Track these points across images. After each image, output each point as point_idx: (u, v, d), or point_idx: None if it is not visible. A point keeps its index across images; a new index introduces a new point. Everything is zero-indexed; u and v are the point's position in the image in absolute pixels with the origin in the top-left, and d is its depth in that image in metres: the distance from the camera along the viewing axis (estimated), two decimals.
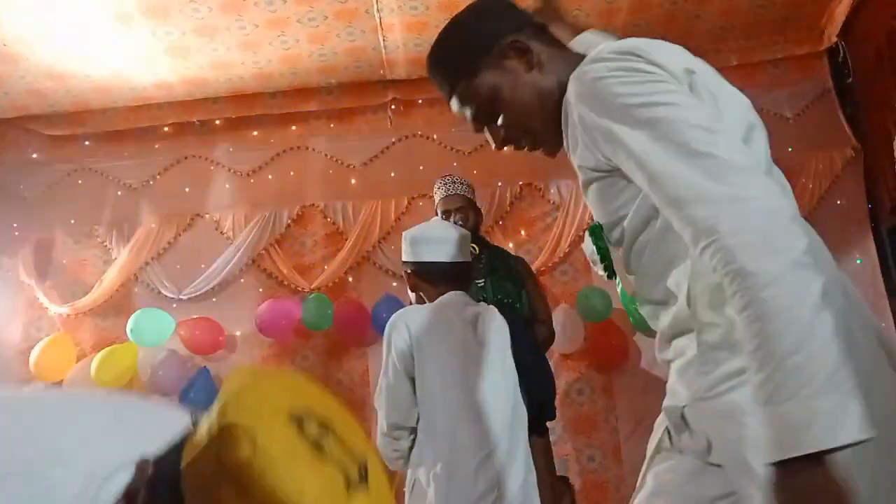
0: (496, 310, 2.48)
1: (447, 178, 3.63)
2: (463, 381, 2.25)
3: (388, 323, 2.42)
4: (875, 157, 4.47)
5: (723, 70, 4.61)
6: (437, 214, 3.55)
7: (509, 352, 2.37)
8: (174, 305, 4.62)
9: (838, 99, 4.77)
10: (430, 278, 2.49)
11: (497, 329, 2.38)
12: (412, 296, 2.67)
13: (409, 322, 2.37)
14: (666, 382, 1.40)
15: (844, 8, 4.45)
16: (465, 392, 2.24)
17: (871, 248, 4.52)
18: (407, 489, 2.40)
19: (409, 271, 2.53)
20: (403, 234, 2.58)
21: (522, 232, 4.75)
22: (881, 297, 4.43)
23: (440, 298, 2.46)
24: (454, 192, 3.51)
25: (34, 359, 4.43)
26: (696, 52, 4.57)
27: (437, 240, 2.49)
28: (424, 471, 2.22)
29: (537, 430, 2.82)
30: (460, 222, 3.36)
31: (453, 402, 2.23)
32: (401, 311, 2.49)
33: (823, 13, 4.61)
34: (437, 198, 3.58)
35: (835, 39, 4.70)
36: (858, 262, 4.50)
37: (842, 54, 4.75)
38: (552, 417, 3.01)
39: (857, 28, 4.53)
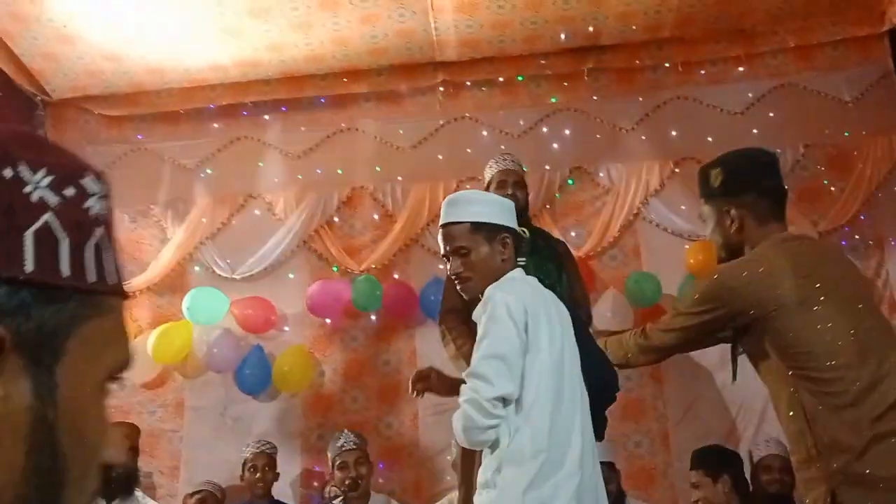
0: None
1: (504, 153, 3.65)
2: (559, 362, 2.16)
3: (500, 290, 2.16)
4: None
5: (779, 52, 4.57)
6: (487, 191, 3.55)
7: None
8: (228, 285, 4.71)
9: None
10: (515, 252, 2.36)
11: (566, 313, 2.32)
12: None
13: (524, 295, 2.19)
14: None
15: None
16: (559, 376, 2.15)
17: None
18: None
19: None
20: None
21: (571, 216, 4.74)
22: None
23: (521, 274, 2.34)
24: (511, 167, 3.53)
25: None
26: (750, 34, 4.56)
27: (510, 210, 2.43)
28: (513, 451, 2.07)
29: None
30: (516, 195, 3.37)
31: (553, 385, 2.12)
32: (505, 281, 2.25)
33: None
34: (491, 171, 3.57)
35: (895, 21, 4.58)
36: None
37: None
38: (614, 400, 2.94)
39: None
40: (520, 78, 4.90)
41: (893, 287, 4.39)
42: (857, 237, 4.49)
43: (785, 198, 2.44)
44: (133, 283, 4.74)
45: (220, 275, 4.76)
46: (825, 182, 4.60)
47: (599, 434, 2.32)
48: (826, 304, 2.13)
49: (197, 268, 4.84)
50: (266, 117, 5.05)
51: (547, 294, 2.31)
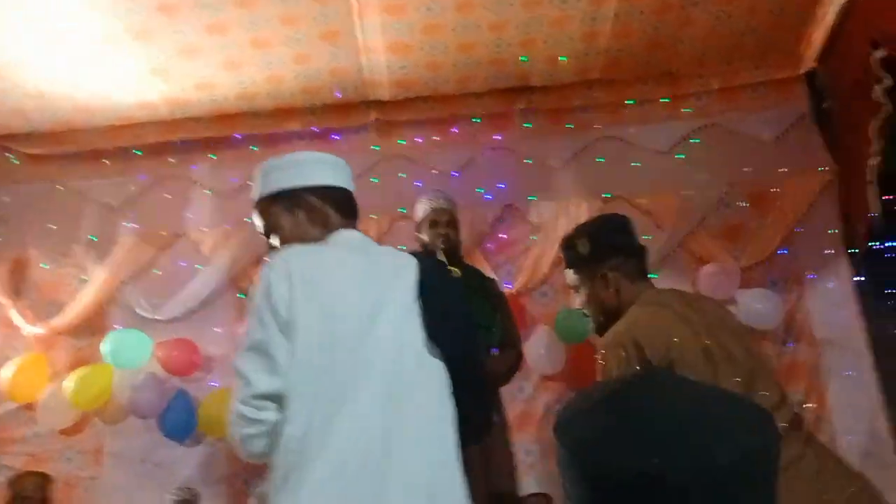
0: None
1: (436, 191, 3.62)
2: None
3: (269, 265, 1.83)
4: (851, 181, 4.51)
5: (704, 94, 4.71)
6: (419, 229, 3.53)
7: None
8: (151, 326, 4.58)
9: (816, 123, 4.81)
10: None
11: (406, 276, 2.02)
12: None
13: (298, 265, 1.86)
14: None
15: (822, 34, 4.51)
16: None
17: (847, 271, 4.55)
18: None
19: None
20: None
21: (503, 253, 4.75)
22: (856, 318, 4.46)
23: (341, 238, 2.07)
24: (444, 206, 3.51)
25: (7, 379, 4.37)
26: (676, 77, 4.67)
27: None
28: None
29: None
30: (441, 238, 3.36)
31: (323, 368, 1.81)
32: (283, 251, 1.92)
33: (802, 39, 4.67)
34: (423, 209, 3.56)
35: (813, 65, 4.76)
36: (831, 285, 4.53)
37: (819, 79, 4.80)
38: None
39: (834, 55, 4.58)
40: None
41: (812, 322, 4.49)
42: (778, 273, 4.60)
43: (646, 255, 2.53)
44: (51, 325, 4.57)
45: (143, 316, 4.63)
46: (748, 219, 4.71)
47: (471, 436, 1.88)
48: (719, 349, 2.16)
49: (113, 310, 4.70)
50: (195, 156, 4.97)
51: (363, 257, 1.91)
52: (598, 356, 2.28)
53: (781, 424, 2.08)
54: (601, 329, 2.45)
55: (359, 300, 1.77)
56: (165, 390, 4.39)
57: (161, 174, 4.96)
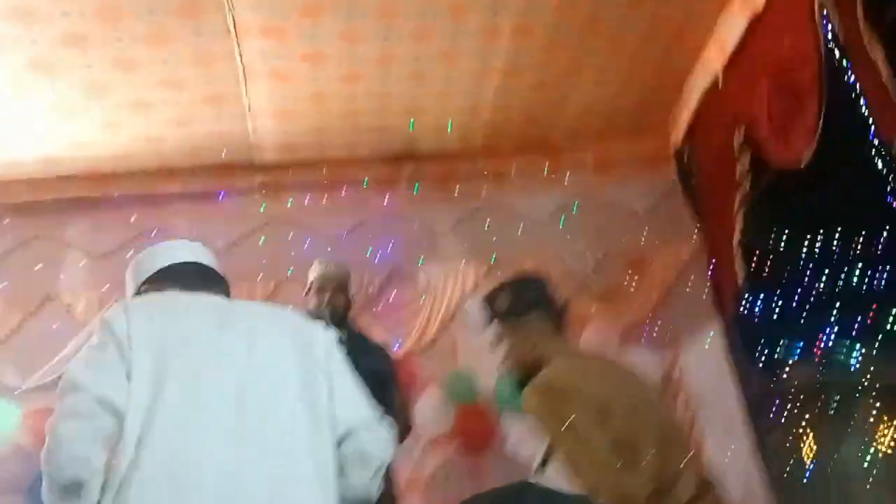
0: None
1: (327, 258, 3.60)
2: None
3: None
4: (717, 250, 4.81)
5: (580, 167, 4.89)
6: (307, 293, 3.50)
7: None
8: (19, 395, 4.29)
9: (685, 195, 5.12)
10: None
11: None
12: None
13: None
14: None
15: (688, 114, 4.87)
16: None
17: (718, 333, 4.79)
18: None
19: None
20: None
21: (391, 316, 4.76)
22: (726, 380, 4.69)
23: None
24: (332, 272, 3.49)
25: None
26: (555, 149, 4.87)
27: None
28: None
29: None
30: (327, 305, 3.33)
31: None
32: None
33: (669, 118, 5.02)
34: (311, 275, 3.53)
35: (680, 142, 5.10)
36: (706, 347, 4.77)
37: (686, 157, 5.14)
38: None
39: (698, 134, 4.93)
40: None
41: (688, 382, 4.71)
42: (654, 334, 4.81)
43: (566, 313, 2.60)
44: None
45: (8, 385, 4.32)
46: (625, 283, 4.92)
47: None
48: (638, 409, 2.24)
49: None
50: (67, 216, 4.78)
51: (212, 307, 1.85)
52: (525, 408, 2.29)
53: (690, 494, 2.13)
54: (522, 383, 2.47)
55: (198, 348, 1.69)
56: (34, 463, 4.07)
57: (31, 234, 4.73)
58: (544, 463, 2.20)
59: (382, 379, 3.34)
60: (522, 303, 2.50)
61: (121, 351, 1.61)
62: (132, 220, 4.81)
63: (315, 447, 1.66)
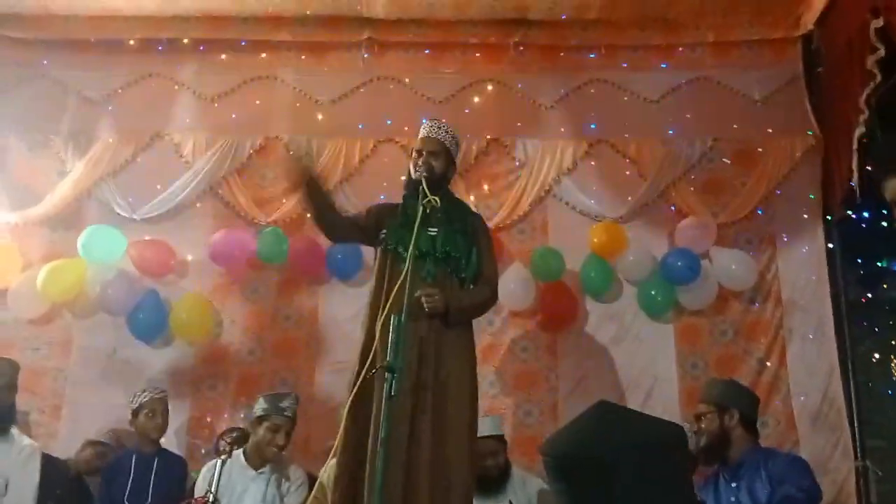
0: None
1: (435, 121, 3.56)
2: None
3: None
4: (834, 148, 4.56)
5: (699, 45, 4.67)
6: (412, 155, 3.51)
7: None
8: (127, 225, 4.55)
9: (807, 87, 4.82)
10: None
11: None
12: None
13: None
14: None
15: None
16: None
17: (821, 236, 4.63)
18: None
19: None
20: None
21: (485, 187, 4.75)
22: (823, 284, 4.56)
23: None
24: (434, 135, 3.46)
25: None
26: (673, 25, 4.62)
27: None
28: None
29: None
30: (423, 166, 3.34)
31: None
32: None
33: (801, 1, 4.65)
34: (419, 136, 3.51)
35: (810, 27, 4.75)
36: (805, 249, 4.62)
37: (815, 43, 4.80)
38: None
39: (832, 18, 4.57)
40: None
41: (781, 281, 4.59)
42: (753, 232, 4.67)
43: None
44: (26, 215, 4.53)
45: (119, 214, 4.59)
46: (729, 176, 4.75)
47: None
48: None
49: (90, 205, 4.65)
50: (181, 56, 4.87)
51: None
52: None
53: None
54: None
55: None
56: (136, 289, 4.40)
57: (145, 72, 4.86)
58: None
59: (479, 246, 3.39)
60: None
61: None
62: (241, 65, 4.88)
63: None
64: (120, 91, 4.82)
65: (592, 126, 4.81)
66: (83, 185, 4.61)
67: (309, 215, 3.37)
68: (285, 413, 3.57)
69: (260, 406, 3.59)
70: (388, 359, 2.54)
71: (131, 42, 4.84)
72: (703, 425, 3.29)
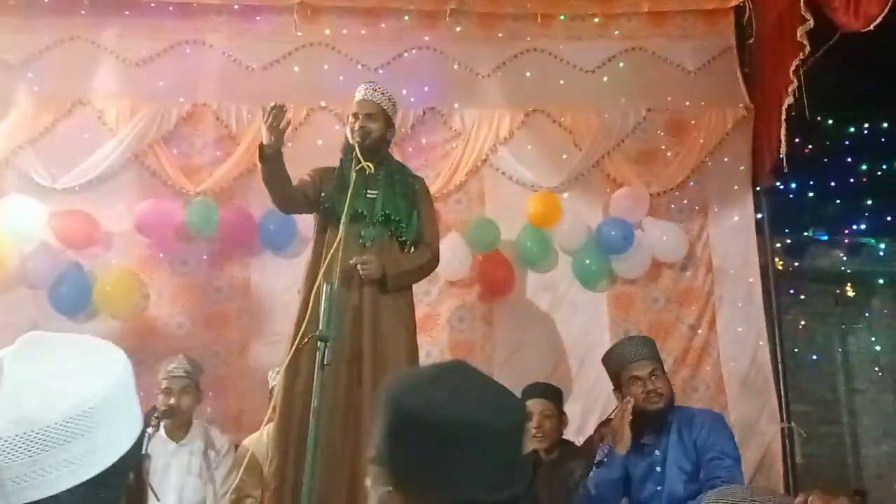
0: None
1: (371, 83, 3.49)
2: None
3: None
4: (764, 119, 4.63)
5: (633, 16, 4.67)
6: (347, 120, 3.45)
7: None
8: (48, 195, 4.36)
9: (738, 58, 4.87)
10: None
11: None
12: None
13: None
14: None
15: None
16: None
17: (750, 206, 4.72)
18: None
19: None
20: None
21: (421, 156, 4.69)
22: (752, 253, 4.66)
23: None
24: (370, 97, 3.40)
25: None
26: None
27: None
28: None
29: None
30: (358, 130, 3.28)
31: None
32: None
33: None
34: (354, 101, 3.44)
35: None
36: (736, 219, 4.70)
37: (747, 14, 4.85)
38: None
39: None
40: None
41: (712, 249, 4.68)
42: (684, 201, 4.73)
43: None
44: None
45: (39, 184, 4.39)
46: (662, 147, 4.79)
47: None
48: None
49: (7, 174, 4.43)
50: (104, 19, 4.65)
51: None
52: None
53: None
54: None
55: None
56: (58, 262, 4.24)
57: (66, 34, 4.63)
58: None
59: (420, 209, 3.37)
60: None
61: None
62: (167, 29, 4.70)
63: None
64: (39, 54, 4.58)
65: (529, 95, 4.78)
66: (0, 153, 4.40)
67: (265, 184, 3.28)
68: (172, 374, 3.50)
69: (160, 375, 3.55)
70: (320, 327, 2.52)
71: (51, 3, 4.60)
72: (658, 386, 2.96)
